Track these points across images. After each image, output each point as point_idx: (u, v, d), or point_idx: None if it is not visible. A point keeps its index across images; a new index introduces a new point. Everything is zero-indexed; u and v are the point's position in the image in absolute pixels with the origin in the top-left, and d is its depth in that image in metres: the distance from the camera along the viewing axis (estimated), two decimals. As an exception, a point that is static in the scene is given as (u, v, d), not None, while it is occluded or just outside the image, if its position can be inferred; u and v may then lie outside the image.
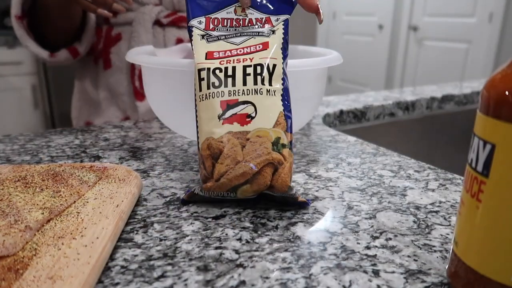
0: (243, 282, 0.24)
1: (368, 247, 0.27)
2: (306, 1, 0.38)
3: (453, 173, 0.41)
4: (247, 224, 0.30)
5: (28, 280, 0.21)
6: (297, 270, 0.25)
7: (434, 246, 0.28)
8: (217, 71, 0.33)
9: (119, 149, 0.46)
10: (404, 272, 0.25)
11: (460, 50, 3.00)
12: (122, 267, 0.25)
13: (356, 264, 0.26)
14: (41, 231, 0.26)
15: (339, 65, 0.46)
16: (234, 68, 0.33)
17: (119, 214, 0.28)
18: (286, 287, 0.23)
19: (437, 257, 0.27)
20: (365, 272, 0.25)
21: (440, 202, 0.34)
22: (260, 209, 0.33)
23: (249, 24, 0.36)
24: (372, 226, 0.30)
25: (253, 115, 0.32)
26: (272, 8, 0.37)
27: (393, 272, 0.25)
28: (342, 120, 0.69)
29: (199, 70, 0.34)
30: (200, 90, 0.33)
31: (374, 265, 0.26)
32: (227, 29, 0.36)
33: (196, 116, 0.34)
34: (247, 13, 0.36)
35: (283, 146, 0.32)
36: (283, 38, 0.36)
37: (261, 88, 0.33)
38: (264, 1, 0.37)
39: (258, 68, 0.33)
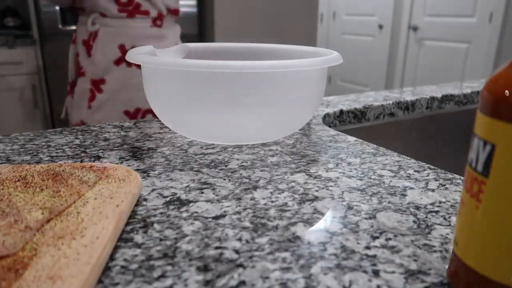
0: (243, 282, 0.24)
1: (368, 247, 0.27)
2: None
3: (453, 173, 0.41)
4: (247, 224, 0.30)
5: (28, 280, 0.21)
6: (297, 270, 0.25)
7: (434, 246, 0.28)
8: None
9: (119, 149, 0.46)
10: (404, 272, 0.25)
11: (460, 50, 3.00)
12: (122, 267, 0.25)
13: (356, 264, 0.26)
14: (41, 231, 0.26)
15: (339, 65, 0.46)
16: None
17: (119, 214, 0.28)
18: (286, 287, 0.23)
19: (437, 257, 0.27)
20: (365, 272, 0.25)
21: (440, 202, 0.34)
22: (260, 209, 0.33)
23: None
24: (372, 226, 0.30)
25: None
26: None
27: (393, 272, 0.25)
28: (342, 120, 0.69)
29: None
30: None
31: (374, 265, 0.26)
32: None
33: None
34: None
35: None
36: None
37: None
38: None
39: None
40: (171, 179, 0.38)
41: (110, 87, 0.99)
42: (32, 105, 2.28)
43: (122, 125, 0.56)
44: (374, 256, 0.26)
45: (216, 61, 0.37)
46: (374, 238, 0.29)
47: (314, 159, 0.44)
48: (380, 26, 3.60)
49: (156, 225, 0.30)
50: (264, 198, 0.34)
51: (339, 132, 0.54)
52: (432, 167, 0.43)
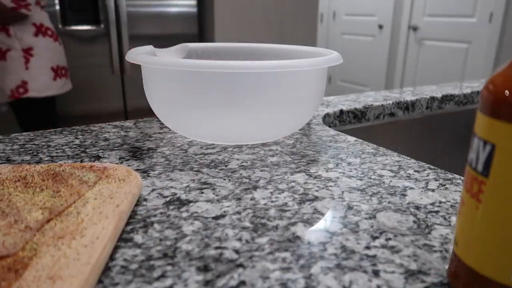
0: (243, 282, 0.24)
1: (368, 247, 0.27)
2: None
3: (453, 173, 0.41)
4: (247, 224, 0.30)
5: (28, 280, 0.21)
6: (297, 270, 0.25)
7: (434, 246, 0.28)
8: None
9: (119, 149, 0.47)
10: (404, 272, 0.25)
11: (460, 50, 3.01)
12: (122, 267, 0.25)
13: (356, 264, 0.26)
14: (41, 231, 0.26)
15: (339, 65, 0.46)
16: None
17: (119, 214, 0.28)
18: (286, 287, 0.23)
19: (437, 257, 0.27)
20: (365, 272, 0.25)
21: (440, 202, 0.34)
22: (260, 209, 0.33)
23: None
24: (372, 226, 0.30)
25: None
26: None
27: (393, 272, 0.25)
28: (342, 120, 0.69)
29: None
30: None
31: (374, 265, 0.26)
32: None
33: None
34: None
35: None
36: None
37: None
38: None
39: None
40: (171, 179, 0.38)
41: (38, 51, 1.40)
42: (32, 105, 2.28)
43: (122, 125, 0.56)
44: (374, 256, 0.26)
45: (216, 61, 0.37)
46: (374, 238, 0.29)
47: (314, 159, 0.44)
48: (380, 26, 3.60)
49: (156, 225, 0.30)
50: (264, 198, 0.34)
51: (339, 132, 0.54)
52: (432, 167, 0.43)
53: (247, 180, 0.38)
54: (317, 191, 0.36)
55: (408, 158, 0.45)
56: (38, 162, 0.42)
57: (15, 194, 0.30)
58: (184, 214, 0.32)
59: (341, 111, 0.68)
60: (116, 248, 0.27)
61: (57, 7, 2.23)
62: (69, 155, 0.44)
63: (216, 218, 0.31)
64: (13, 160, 0.42)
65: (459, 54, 3.00)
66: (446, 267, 0.25)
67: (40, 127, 1.27)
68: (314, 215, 0.32)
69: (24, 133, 0.52)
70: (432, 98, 0.79)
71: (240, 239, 0.28)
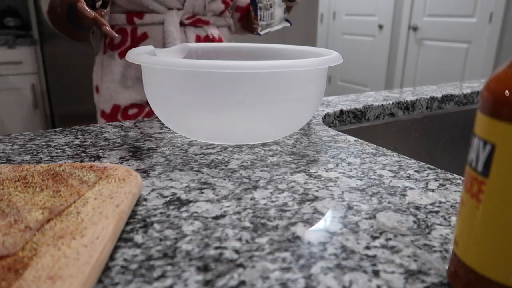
0: (243, 282, 0.24)
1: (368, 247, 0.27)
2: None
3: (453, 173, 0.41)
4: (247, 224, 0.30)
5: (28, 280, 0.21)
6: (297, 270, 0.25)
7: (434, 246, 0.28)
8: None
9: (119, 149, 0.46)
10: (404, 272, 0.25)
11: (460, 50, 3.01)
12: (122, 267, 0.25)
13: (356, 264, 0.26)
14: (41, 231, 0.26)
15: (339, 65, 0.46)
16: None
17: (119, 214, 0.28)
18: (286, 287, 0.23)
19: (437, 257, 0.27)
20: (365, 272, 0.25)
21: (440, 202, 0.34)
22: (260, 209, 0.33)
23: None
24: (372, 226, 0.30)
25: None
26: None
27: (393, 272, 0.25)
28: (342, 120, 0.69)
29: None
30: None
31: (374, 265, 0.26)
32: None
33: None
34: None
35: None
36: None
37: None
38: None
39: None
40: (171, 179, 0.38)
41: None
42: (32, 105, 2.28)
43: (122, 125, 0.56)
44: (374, 256, 0.26)
45: (216, 61, 0.37)
46: (374, 238, 0.29)
47: (314, 159, 0.44)
48: (380, 26, 3.60)
49: (156, 225, 0.30)
50: (264, 198, 0.34)
51: (339, 132, 0.54)
52: (432, 167, 0.43)
53: (247, 180, 0.38)
54: (317, 191, 0.36)
55: (408, 158, 0.45)
56: (38, 162, 0.42)
57: (15, 194, 0.30)
58: (184, 214, 0.32)
59: (341, 111, 0.68)
60: (116, 248, 0.27)
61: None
62: (69, 155, 0.44)
63: (216, 218, 0.31)
64: (13, 160, 0.42)
65: (459, 54, 3.00)
66: (446, 267, 0.25)
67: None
68: (314, 215, 0.32)
69: (24, 133, 0.52)
70: (432, 98, 0.79)
71: (240, 239, 0.28)
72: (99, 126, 0.56)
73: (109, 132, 0.53)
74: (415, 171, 0.41)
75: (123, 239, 0.28)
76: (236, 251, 0.27)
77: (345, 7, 3.93)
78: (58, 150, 0.46)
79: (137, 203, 0.33)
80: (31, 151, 0.45)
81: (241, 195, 0.35)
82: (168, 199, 0.34)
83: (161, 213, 0.32)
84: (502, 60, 2.69)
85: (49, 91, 2.32)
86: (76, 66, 2.26)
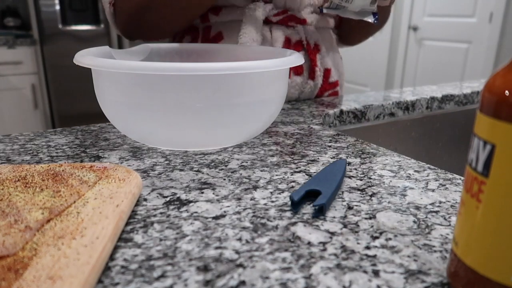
0: (243, 282, 0.24)
1: (368, 247, 0.27)
2: None
3: (453, 173, 0.41)
4: (247, 224, 0.30)
5: (28, 280, 0.21)
6: (297, 270, 0.25)
7: (434, 246, 0.28)
8: None
9: (119, 149, 0.46)
10: (404, 272, 0.25)
11: (460, 50, 3.00)
12: (122, 267, 0.25)
13: (356, 264, 0.26)
14: (41, 231, 0.26)
15: (339, 65, 0.45)
16: None
17: (119, 214, 0.28)
18: (286, 287, 0.23)
19: (437, 257, 0.27)
20: (365, 272, 0.25)
21: (440, 202, 0.34)
22: (260, 209, 0.33)
23: None
24: (372, 226, 0.30)
25: None
26: None
27: (393, 272, 0.25)
28: (342, 120, 0.69)
29: None
30: None
31: (374, 265, 0.26)
32: None
33: None
34: None
35: None
36: None
37: None
38: None
39: None
40: (171, 179, 0.38)
41: None
42: (32, 105, 2.28)
43: (122, 125, 0.56)
44: (374, 256, 0.26)
45: (164, 63, 0.36)
46: (374, 238, 0.29)
47: (314, 159, 0.44)
48: (380, 26, 3.59)
49: (156, 225, 0.30)
50: (264, 198, 0.34)
51: (339, 132, 0.54)
52: (432, 167, 0.43)
53: (247, 180, 0.38)
54: (317, 191, 0.36)
55: (408, 158, 0.45)
56: (38, 162, 0.42)
57: (15, 194, 0.30)
58: (184, 214, 0.32)
59: (341, 111, 0.68)
60: (116, 248, 0.27)
61: (57, 7, 2.22)
62: (69, 155, 0.44)
63: (216, 218, 0.31)
64: (13, 160, 0.42)
65: (459, 54, 3.00)
66: (446, 267, 0.25)
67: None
68: (314, 215, 0.32)
69: (24, 133, 0.52)
70: (432, 98, 0.79)
71: (240, 239, 0.28)
72: (99, 126, 0.56)
73: (109, 132, 0.53)
74: (415, 171, 0.41)
75: (123, 239, 0.28)
76: (236, 251, 0.27)
77: (345, 7, 3.92)
78: (58, 150, 0.46)
79: (137, 203, 0.33)
80: (31, 151, 0.45)
81: (241, 195, 0.35)
82: (168, 199, 0.34)
83: (161, 213, 0.32)
84: (502, 60, 2.69)
85: (49, 91, 2.32)
86: (76, 66, 2.27)
